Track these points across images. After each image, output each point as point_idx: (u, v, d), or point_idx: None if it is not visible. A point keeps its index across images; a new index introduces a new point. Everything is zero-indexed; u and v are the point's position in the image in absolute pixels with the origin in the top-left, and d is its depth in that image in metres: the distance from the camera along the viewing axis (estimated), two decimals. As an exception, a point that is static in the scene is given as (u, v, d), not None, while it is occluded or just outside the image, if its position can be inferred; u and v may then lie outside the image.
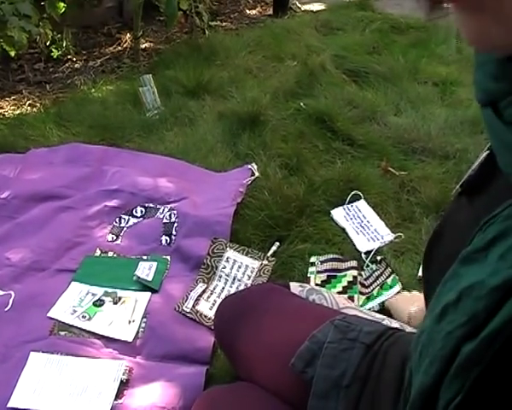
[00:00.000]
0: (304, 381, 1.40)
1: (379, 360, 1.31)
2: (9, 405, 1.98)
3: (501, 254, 0.64)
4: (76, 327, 2.32)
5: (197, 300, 2.43)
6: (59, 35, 4.50)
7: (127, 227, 2.81)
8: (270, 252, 2.63)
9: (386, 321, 2.06)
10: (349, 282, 2.49)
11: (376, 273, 2.52)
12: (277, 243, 2.67)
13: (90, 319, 2.35)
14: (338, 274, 2.53)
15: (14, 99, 4.15)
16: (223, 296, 2.44)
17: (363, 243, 2.69)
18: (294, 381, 1.43)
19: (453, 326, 0.65)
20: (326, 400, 1.35)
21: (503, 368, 0.60)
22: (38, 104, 4.05)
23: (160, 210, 2.85)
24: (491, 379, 0.61)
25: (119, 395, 2.05)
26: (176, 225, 2.75)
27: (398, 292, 2.40)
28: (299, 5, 5.65)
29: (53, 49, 4.51)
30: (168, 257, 2.65)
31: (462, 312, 0.65)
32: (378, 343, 1.36)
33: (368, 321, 1.54)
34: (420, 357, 0.71)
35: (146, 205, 2.90)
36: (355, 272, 2.52)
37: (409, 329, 1.81)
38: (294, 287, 2.01)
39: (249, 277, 2.54)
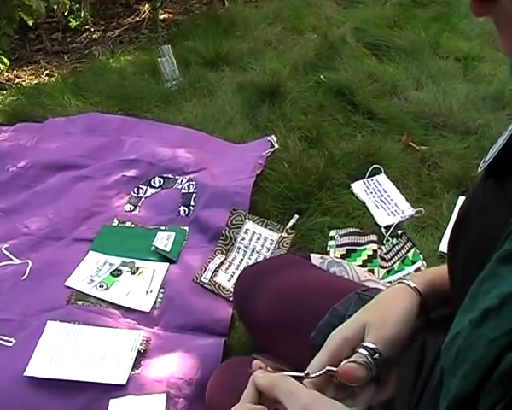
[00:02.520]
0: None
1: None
2: (26, 373, 1.97)
3: None
4: (93, 297, 2.31)
5: (215, 271, 2.41)
6: (77, 5, 4.48)
7: (145, 197, 2.79)
8: (290, 224, 2.60)
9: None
10: (369, 255, 2.46)
11: (397, 247, 2.49)
12: (296, 216, 2.64)
13: (107, 288, 2.34)
14: (358, 248, 2.50)
15: (31, 69, 4.14)
16: (241, 268, 2.42)
17: (383, 217, 2.66)
18: (315, 354, 1.41)
19: (496, 334, 0.62)
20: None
21: None
22: (56, 74, 4.04)
23: (179, 181, 2.83)
24: None
25: (136, 365, 2.04)
26: (194, 195, 2.73)
27: (419, 268, 2.38)
28: (319, -22, 5.59)
29: (71, 19, 4.48)
30: (186, 228, 2.63)
31: (506, 319, 0.62)
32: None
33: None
34: (456, 360, 0.68)
35: (164, 175, 2.88)
36: (375, 246, 2.49)
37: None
38: (315, 258, 1.98)
39: (268, 249, 2.51)
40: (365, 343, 0.95)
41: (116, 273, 2.41)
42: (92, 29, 4.59)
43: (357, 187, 2.82)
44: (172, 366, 2.02)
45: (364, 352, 0.94)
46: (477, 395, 0.62)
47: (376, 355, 0.93)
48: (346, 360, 0.94)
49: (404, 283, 1.06)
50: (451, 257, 0.89)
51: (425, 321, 1.03)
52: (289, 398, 0.85)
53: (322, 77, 3.64)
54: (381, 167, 2.89)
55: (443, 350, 0.73)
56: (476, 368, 0.63)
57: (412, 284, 1.04)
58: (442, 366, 0.74)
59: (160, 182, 2.86)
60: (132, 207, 2.75)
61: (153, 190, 2.83)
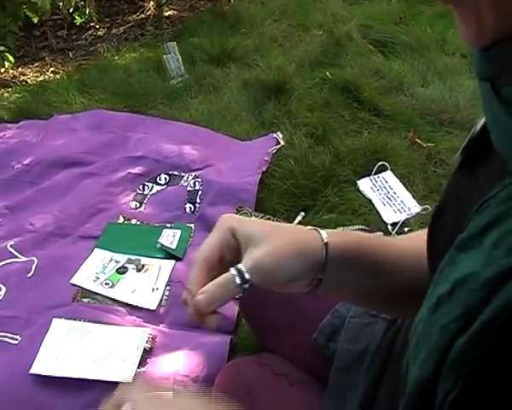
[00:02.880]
0: (326, 355, 1.37)
1: (402, 335, 1.27)
2: (32, 371, 1.97)
3: (494, 242, 0.60)
4: (99, 294, 2.30)
5: (222, 269, 2.39)
6: (82, 2, 4.48)
7: (151, 194, 2.79)
8: (296, 222, 2.59)
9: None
10: (375, 253, 2.45)
11: (403, 245, 2.48)
12: (302, 213, 2.63)
13: (113, 286, 2.33)
14: (364, 245, 2.48)
15: (36, 66, 4.14)
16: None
17: (389, 215, 2.65)
18: (320, 353, 1.40)
19: (448, 319, 0.62)
20: (348, 375, 1.32)
21: (494, 363, 0.57)
22: (61, 71, 4.04)
23: (185, 178, 2.82)
24: (486, 373, 0.58)
25: (142, 363, 2.03)
26: (200, 192, 2.72)
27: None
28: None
29: (76, 17, 4.49)
30: (192, 225, 2.62)
31: (456, 304, 0.61)
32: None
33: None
34: (416, 347, 0.68)
35: (170, 172, 2.87)
36: (381, 244, 2.47)
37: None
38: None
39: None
40: (240, 267, 0.88)
41: (122, 271, 2.40)
42: (97, 26, 4.59)
43: (364, 184, 2.81)
44: (178, 363, 2.02)
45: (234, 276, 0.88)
46: (435, 382, 0.62)
47: (246, 285, 0.87)
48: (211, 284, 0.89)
49: (319, 232, 0.95)
50: (430, 246, 0.88)
51: (313, 281, 0.94)
52: None
53: (327, 74, 3.64)
54: (387, 164, 2.88)
55: (409, 338, 0.73)
56: (431, 354, 0.63)
57: (325, 238, 0.94)
58: (408, 354, 0.74)
59: (165, 179, 2.85)
60: (138, 205, 2.74)
61: (158, 188, 2.82)
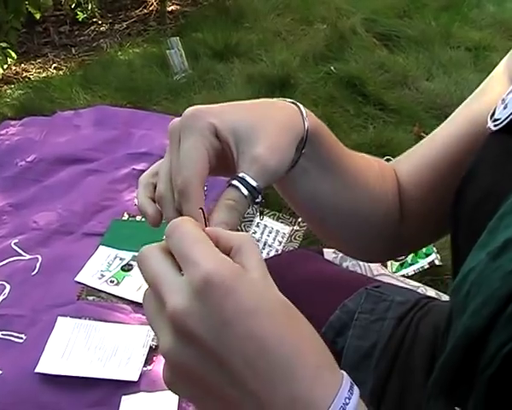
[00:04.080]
0: (335, 351, 1.36)
1: (411, 332, 1.26)
2: (37, 370, 1.96)
3: None
4: (104, 292, 2.29)
5: (227, 265, 2.38)
6: (84, -3, 4.46)
7: (155, 191, 2.76)
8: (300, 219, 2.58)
9: (422, 289, 2.01)
10: (382, 249, 2.43)
11: (410, 240, 2.46)
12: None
13: (118, 283, 2.32)
14: (370, 241, 2.47)
15: (39, 62, 4.11)
16: (253, 262, 2.38)
17: (395, 209, 2.63)
18: (328, 349, 1.39)
19: None
20: (356, 371, 1.30)
21: None
22: (64, 67, 4.01)
23: (189, 174, 2.80)
24: None
25: (148, 361, 2.02)
26: (205, 189, 2.69)
27: (433, 261, 2.35)
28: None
29: (78, 12, 4.45)
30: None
31: None
32: (410, 314, 1.31)
33: (401, 290, 1.49)
34: (467, 297, 0.64)
35: (174, 168, 2.84)
36: (388, 239, 2.46)
37: (444, 298, 1.76)
38: (328, 253, 1.96)
39: (280, 242, 2.49)
40: (242, 175, 0.72)
41: (127, 268, 2.39)
42: (100, 22, 4.56)
43: (370, 179, 2.79)
44: (185, 361, 2.00)
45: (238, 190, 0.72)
46: (487, 333, 0.59)
47: (258, 198, 0.73)
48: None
49: (297, 105, 0.82)
50: (456, 206, 0.85)
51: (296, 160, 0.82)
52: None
53: (332, 68, 3.62)
54: (392, 159, 2.85)
55: (452, 291, 0.70)
56: (490, 301, 0.60)
57: (304, 112, 0.81)
58: (451, 309, 0.71)
59: (170, 175, 2.82)
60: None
61: (163, 184, 2.80)
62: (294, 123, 0.79)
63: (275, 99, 0.83)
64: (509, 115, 0.78)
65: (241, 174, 0.71)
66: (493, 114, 0.82)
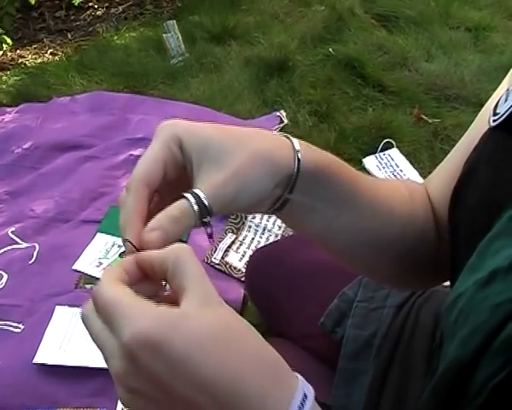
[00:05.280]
0: (334, 341, 1.34)
1: (411, 320, 1.25)
2: (35, 360, 1.94)
3: None
4: (102, 280, 2.27)
5: (226, 251, 2.36)
6: (80, -18, 4.42)
7: (153, 177, 2.74)
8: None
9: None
10: (383, 232, 2.41)
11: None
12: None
13: (116, 271, 2.30)
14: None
15: (35, 48, 4.08)
16: (252, 247, 2.37)
17: (396, 193, 2.61)
18: (326, 339, 1.37)
19: (503, 298, 0.57)
20: (356, 361, 1.30)
21: None
22: (60, 53, 3.98)
23: (187, 158, 2.78)
24: None
25: (147, 349, 2.00)
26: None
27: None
28: None
29: (74, -3, 4.42)
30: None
31: None
32: (410, 302, 1.29)
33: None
34: (455, 324, 0.63)
35: (172, 153, 2.82)
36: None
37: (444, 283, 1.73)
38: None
39: (279, 227, 2.47)
40: (197, 192, 0.69)
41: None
42: (96, 6, 4.52)
43: (369, 162, 2.76)
44: (184, 349, 1.98)
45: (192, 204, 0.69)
46: (475, 364, 0.58)
47: (207, 218, 0.70)
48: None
49: (290, 139, 0.77)
50: (455, 209, 0.81)
51: (277, 201, 0.78)
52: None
53: (330, 50, 3.59)
54: (393, 142, 2.84)
55: (444, 312, 0.68)
56: (476, 333, 0.58)
57: (297, 146, 0.76)
58: (442, 330, 0.69)
59: (167, 160, 2.80)
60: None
61: (160, 169, 2.78)
62: (277, 157, 0.74)
63: (271, 132, 0.79)
64: (508, 109, 0.74)
65: (196, 190, 0.69)
66: (496, 106, 0.78)
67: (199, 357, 0.56)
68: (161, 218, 0.68)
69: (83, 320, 0.65)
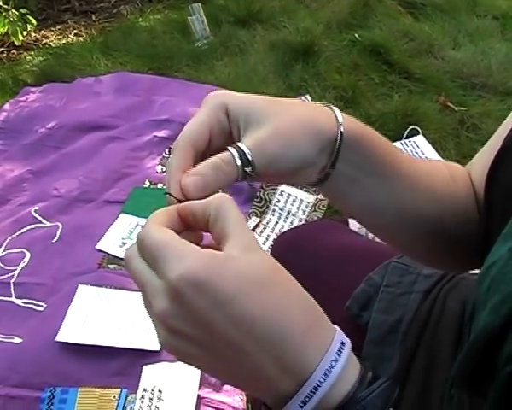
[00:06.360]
0: (360, 325, 1.32)
1: (438, 306, 1.23)
2: (57, 339, 1.94)
3: None
4: (125, 260, 2.27)
5: (250, 234, 2.35)
6: (105, -38, 4.41)
7: (177, 159, 2.74)
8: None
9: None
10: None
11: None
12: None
13: (139, 252, 2.30)
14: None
15: (59, 29, 4.09)
16: (276, 231, 2.36)
17: (421, 180, 2.59)
18: (352, 324, 1.36)
19: None
20: (382, 346, 1.28)
21: None
22: (84, 34, 3.98)
23: (210, 140, 2.77)
24: None
25: (169, 330, 2.00)
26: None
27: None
28: None
29: (99, -22, 4.41)
30: (220, 190, 2.57)
31: None
32: (437, 288, 1.27)
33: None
34: (487, 292, 0.63)
35: (196, 136, 2.81)
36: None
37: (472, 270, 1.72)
38: (353, 223, 1.93)
39: (304, 211, 2.45)
40: (240, 145, 0.69)
41: (148, 236, 2.36)
42: (120, -12, 4.52)
43: (395, 149, 2.74)
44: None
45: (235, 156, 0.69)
46: (505, 332, 0.57)
47: (248, 168, 0.69)
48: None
49: (332, 109, 0.77)
50: (490, 188, 0.80)
51: (323, 171, 0.77)
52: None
53: (356, 35, 3.56)
54: (418, 129, 2.81)
55: (477, 282, 0.68)
56: (508, 300, 0.58)
57: (340, 119, 0.75)
58: (474, 300, 0.69)
59: (191, 143, 2.79)
60: (164, 169, 2.69)
61: (184, 151, 2.77)
62: (320, 123, 0.74)
63: (312, 103, 0.81)
64: None
65: (240, 144, 0.69)
66: None
67: (244, 297, 0.57)
68: (202, 165, 0.68)
69: (126, 262, 0.65)
